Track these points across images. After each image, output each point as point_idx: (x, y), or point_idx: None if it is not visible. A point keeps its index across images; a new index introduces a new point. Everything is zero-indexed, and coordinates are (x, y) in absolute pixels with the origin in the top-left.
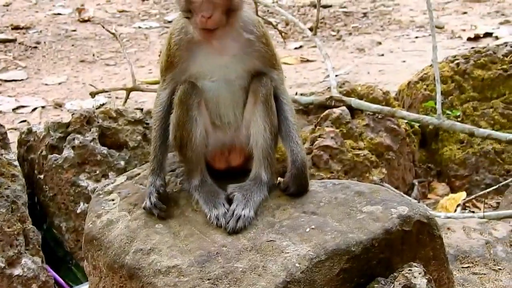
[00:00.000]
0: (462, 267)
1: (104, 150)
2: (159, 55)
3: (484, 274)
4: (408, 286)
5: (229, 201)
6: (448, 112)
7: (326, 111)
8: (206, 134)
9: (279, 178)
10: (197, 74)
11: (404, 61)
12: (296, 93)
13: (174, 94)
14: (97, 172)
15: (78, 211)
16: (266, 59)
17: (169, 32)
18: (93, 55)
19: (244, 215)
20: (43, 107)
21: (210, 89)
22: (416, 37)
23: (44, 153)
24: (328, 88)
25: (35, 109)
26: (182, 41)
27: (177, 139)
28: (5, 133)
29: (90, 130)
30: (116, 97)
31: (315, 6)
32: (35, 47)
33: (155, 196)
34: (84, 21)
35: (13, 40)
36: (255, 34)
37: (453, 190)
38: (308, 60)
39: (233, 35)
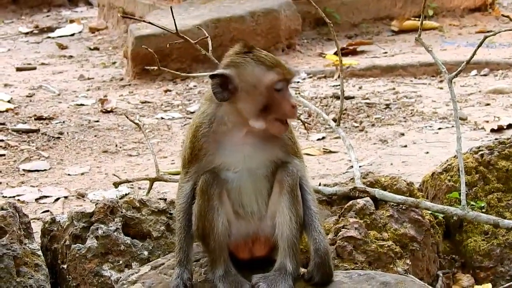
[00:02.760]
0: None
1: (128, 240)
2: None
3: None
4: None
5: None
6: (472, 203)
7: (350, 202)
8: (229, 224)
9: (302, 269)
10: (222, 166)
11: (427, 152)
12: (320, 184)
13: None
14: (121, 262)
15: None
16: (289, 147)
17: (194, 125)
18: (116, 145)
19: None
20: (65, 197)
21: (233, 179)
22: (439, 129)
23: (67, 243)
24: (352, 179)
25: (57, 199)
26: (211, 134)
27: (200, 229)
28: (29, 222)
29: (114, 220)
30: (139, 188)
31: (337, 98)
32: (58, 138)
33: None
34: (107, 111)
35: (36, 131)
36: None
37: (478, 281)
38: (331, 151)
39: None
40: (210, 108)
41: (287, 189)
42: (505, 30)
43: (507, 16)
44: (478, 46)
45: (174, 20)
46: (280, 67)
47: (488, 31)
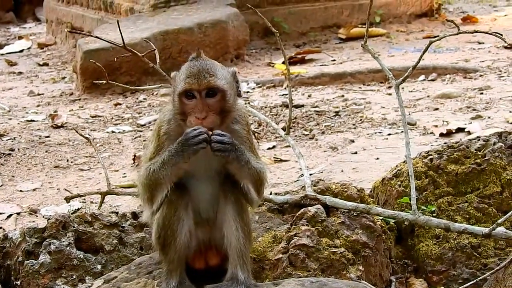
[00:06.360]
0: None
1: (81, 254)
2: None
3: None
4: None
5: None
6: (423, 207)
7: (301, 210)
8: (190, 235)
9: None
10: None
11: (377, 158)
12: (271, 193)
13: None
14: (74, 276)
15: None
16: (246, 146)
17: (157, 123)
18: (67, 160)
19: None
20: (18, 213)
21: (192, 186)
22: (389, 134)
23: (20, 259)
24: (303, 187)
25: (10, 215)
26: (172, 132)
27: (161, 238)
28: None
29: (66, 235)
30: (91, 202)
31: (287, 106)
32: (9, 154)
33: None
34: (58, 127)
35: None
36: (241, 123)
37: (431, 285)
38: (281, 160)
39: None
40: (169, 109)
41: (231, 199)
42: (449, 35)
43: (452, 21)
44: (424, 52)
45: (121, 33)
46: (192, 78)
47: (434, 36)
